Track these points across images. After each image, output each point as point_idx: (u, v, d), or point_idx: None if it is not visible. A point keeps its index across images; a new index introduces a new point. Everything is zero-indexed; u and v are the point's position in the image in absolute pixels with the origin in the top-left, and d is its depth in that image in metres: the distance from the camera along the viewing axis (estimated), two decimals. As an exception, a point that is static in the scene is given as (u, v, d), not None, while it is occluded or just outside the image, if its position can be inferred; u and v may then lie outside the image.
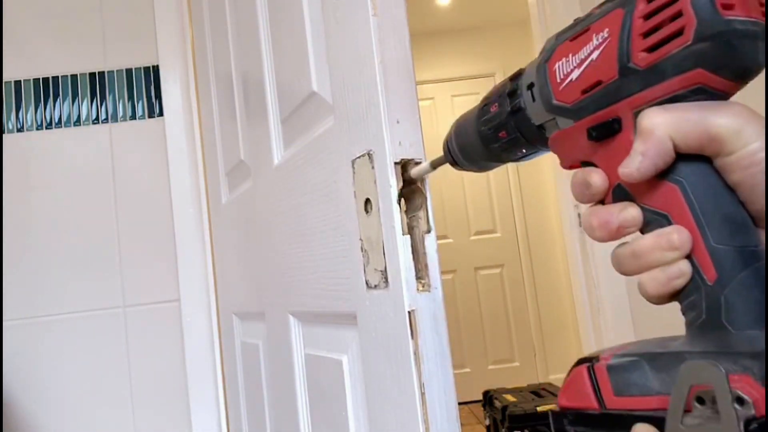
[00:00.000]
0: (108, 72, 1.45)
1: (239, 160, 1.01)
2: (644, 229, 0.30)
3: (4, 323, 1.34)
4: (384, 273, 0.53)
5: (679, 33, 0.26)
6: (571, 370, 0.31)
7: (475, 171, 0.44)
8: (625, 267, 0.30)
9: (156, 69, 1.45)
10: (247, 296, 1.05)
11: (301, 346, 0.79)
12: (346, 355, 0.65)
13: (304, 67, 0.69)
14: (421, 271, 0.51)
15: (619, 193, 0.30)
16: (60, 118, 1.42)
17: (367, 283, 0.56)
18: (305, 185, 0.71)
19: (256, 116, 0.90)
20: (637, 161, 0.28)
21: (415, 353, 0.49)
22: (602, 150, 0.31)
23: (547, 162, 3.45)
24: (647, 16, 0.27)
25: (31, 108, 1.42)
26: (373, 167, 0.53)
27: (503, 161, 0.41)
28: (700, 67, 0.26)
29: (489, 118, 0.38)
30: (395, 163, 0.51)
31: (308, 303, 0.74)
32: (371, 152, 0.53)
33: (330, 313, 0.68)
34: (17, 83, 1.42)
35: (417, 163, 0.52)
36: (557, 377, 3.38)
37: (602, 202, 0.31)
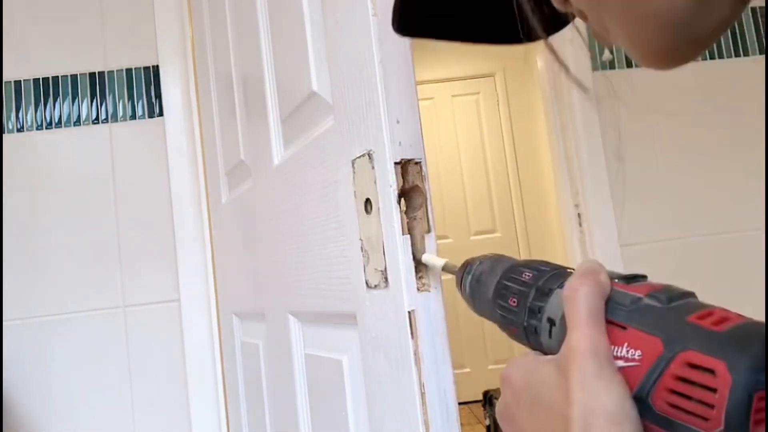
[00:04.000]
0: (108, 72, 1.45)
1: (239, 160, 1.01)
2: None
3: (4, 323, 1.34)
4: (384, 273, 0.53)
5: (702, 418, 0.25)
6: None
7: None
8: None
9: (156, 69, 1.45)
10: (247, 296, 1.05)
11: (301, 346, 0.79)
12: (346, 355, 0.65)
13: (304, 67, 0.69)
14: (421, 271, 0.51)
15: None
16: (60, 118, 1.42)
17: (367, 283, 0.56)
18: (305, 185, 0.71)
19: (256, 116, 0.90)
20: None
21: (415, 353, 0.50)
22: None
23: (546, 162, 3.45)
24: (680, 379, 0.26)
25: (31, 108, 1.42)
26: (373, 167, 0.53)
27: None
28: None
29: (507, 307, 0.37)
30: (395, 163, 0.51)
31: (308, 303, 0.74)
32: (371, 152, 0.53)
33: (330, 313, 0.68)
34: (17, 83, 1.42)
35: (417, 163, 0.52)
36: (557, 377, 3.38)
37: None
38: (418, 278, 0.51)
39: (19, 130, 1.41)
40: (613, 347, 0.29)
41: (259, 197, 0.91)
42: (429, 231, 0.52)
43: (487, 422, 2.66)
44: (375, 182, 0.53)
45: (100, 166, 1.42)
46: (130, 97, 1.44)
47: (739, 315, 0.26)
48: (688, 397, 0.25)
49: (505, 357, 3.47)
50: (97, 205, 1.40)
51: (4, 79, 1.41)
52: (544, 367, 0.31)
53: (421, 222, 0.52)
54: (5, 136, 1.40)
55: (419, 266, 0.51)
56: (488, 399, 2.66)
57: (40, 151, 1.41)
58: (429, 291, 0.51)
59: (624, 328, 0.29)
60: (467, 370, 3.42)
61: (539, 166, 3.55)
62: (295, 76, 0.73)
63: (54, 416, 1.34)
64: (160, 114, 1.44)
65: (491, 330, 3.48)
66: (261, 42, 0.84)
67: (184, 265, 1.39)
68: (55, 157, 1.41)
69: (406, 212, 0.52)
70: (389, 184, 0.51)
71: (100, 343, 1.37)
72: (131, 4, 1.46)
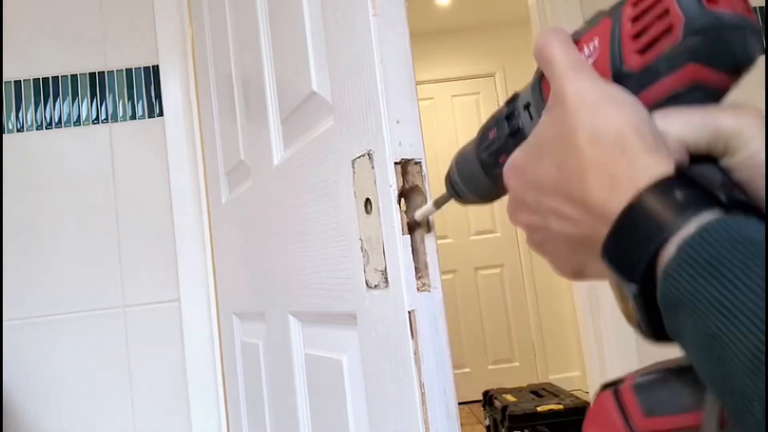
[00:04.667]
0: (108, 72, 1.45)
1: (239, 160, 1.01)
2: None
3: (4, 323, 1.34)
4: (384, 273, 0.53)
5: (668, 31, 0.26)
6: (595, 398, 0.30)
7: (480, 203, 0.43)
8: None
9: (156, 69, 1.45)
10: (247, 296, 1.05)
11: (301, 345, 0.79)
12: (346, 355, 0.65)
13: (304, 67, 0.69)
14: (421, 271, 0.51)
15: None
16: (60, 118, 1.42)
17: (367, 283, 0.56)
18: (305, 185, 0.71)
19: (256, 116, 0.90)
20: None
21: (415, 353, 0.50)
22: None
23: (547, 162, 3.44)
24: (635, 19, 0.27)
25: (31, 108, 1.42)
26: (373, 167, 0.53)
27: None
28: (692, 62, 0.26)
29: (489, 143, 0.38)
30: (395, 163, 0.51)
31: (308, 303, 0.74)
32: (371, 152, 0.53)
33: (330, 313, 0.68)
34: (17, 83, 1.42)
35: (417, 163, 0.52)
36: (557, 377, 3.38)
37: None
38: (418, 278, 0.51)
39: (19, 130, 1.41)
40: None
41: (259, 197, 0.91)
42: (429, 231, 0.52)
43: (487, 422, 2.66)
44: (375, 182, 0.53)
45: (100, 166, 1.42)
46: (130, 97, 1.44)
47: None
48: (648, 28, 0.27)
49: (504, 357, 3.47)
50: (97, 205, 1.40)
51: (4, 79, 1.41)
52: (538, 126, 0.31)
53: (421, 222, 0.52)
54: (5, 136, 1.40)
55: (419, 266, 0.51)
56: (488, 399, 2.66)
57: (40, 151, 1.41)
58: (429, 291, 0.51)
59: (577, 39, 0.31)
60: (467, 370, 3.42)
61: (539, 166, 3.55)
62: (295, 76, 0.73)
63: (54, 416, 1.34)
64: (160, 114, 1.44)
65: (491, 330, 3.48)
66: (261, 42, 0.84)
67: (184, 265, 1.39)
68: (55, 157, 1.41)
69: (406, 212, 0.52)
70: (389, 184, 0.51)
71: (100, 343, 1.37)
72: (131, 4, 1.46)
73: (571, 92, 0.28)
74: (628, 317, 0.26)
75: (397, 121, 0.51)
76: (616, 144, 0.26)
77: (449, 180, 0.44)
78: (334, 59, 0.61)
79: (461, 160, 0.42)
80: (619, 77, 0.28)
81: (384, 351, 0.54)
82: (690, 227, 0.23)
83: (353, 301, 0.60)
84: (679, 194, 0.24)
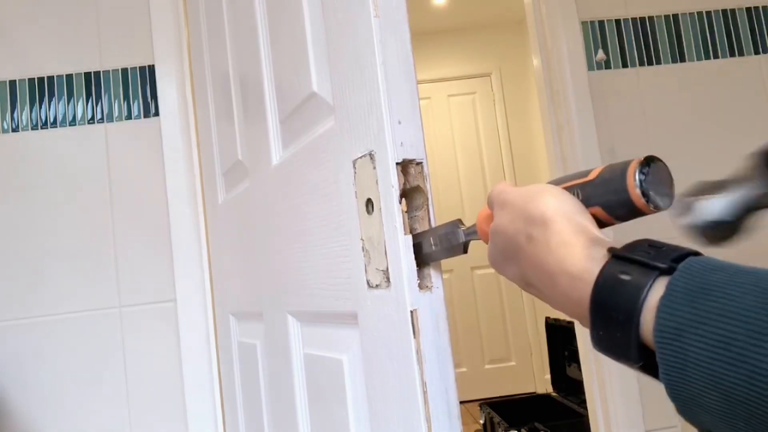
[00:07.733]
0: (103, 72, 1.44)
1: (236, 160, 1.01)
2: None
3: (0, 323, 1.34)
4: (386, 273, 0.53)
5: None
6: None
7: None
8: None
9: (152, 68, 1.44)
10: (244, 296, 1.05)
11: (300, 345, 0.79)
12: (347, 355, 0.65)
13: (304, 68, 0.69)
14: (423, 271, 0.51)
15: None
16: (55, 118, 1.41)
17: (368, 283, 0.56)
18: (305, 185, 0.71)
19: (254, 116, 0.89)
20: None
21: (417, 352, 0.50)
22: None
23: (542, 161, 3.46)
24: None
25: (26, 108, 1.41)
26: (374, 167, 0.53)
27: None
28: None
29: None
30: (397, 164, 0.51)
31: (308, 303, 0.74)
32: (373, 153, 0.53)
33: (330, 313, 0.68)
34: (12, 83, 1.41)
35: (418, 164, 0.52)
36: (553, 376, 3.39)
37: None
38: (420, 277, 0.51)
39: (14, 130, 1.40)
40: None
41: (257, 197, 0.91)
42: (430, 231, 0.53)
43: (483, 421, 2.67)
44: (377, 182, 0.53)
45: (95, 167, 1.41)
46: (126, 97, 1.44)
47: None
48: None
49: (501, 357, 3.48)
50: (92, 205, 1.40)
51: (-1, 78, 1.41)
52: None
53: (422, 222, 0.53)
54: (0, 137, 1.39)
55: (421, 265, 0.51)
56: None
57: (36, 152, 1.40)
58: (431, 290, 0.51)
59: None
60: (463, 369, 3.43)
61: (535, 165, 3.56)
62: (295, 77, 0.73)
63: (50, 416, 1.34)
64: (156, 114, 1.43)
65: (487, 329, 3.49)
66: (259, 42, 0.84)
67: (180, 265, 1.39)
68: (50, 157, 1.40)
69: (407, 212, 0.52)
70: (391, 184, 0.51)
71: (96, 344, 1.36)
72: (127, 3, 1.46)
73: None
74: None
75: (399, 122, 0.52)
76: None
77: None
78: (335, 60, 0.61)
79: None
80: None
81: (386, 350, 0.54)
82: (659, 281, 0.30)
83: (354, 301, 0.60)
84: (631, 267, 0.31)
